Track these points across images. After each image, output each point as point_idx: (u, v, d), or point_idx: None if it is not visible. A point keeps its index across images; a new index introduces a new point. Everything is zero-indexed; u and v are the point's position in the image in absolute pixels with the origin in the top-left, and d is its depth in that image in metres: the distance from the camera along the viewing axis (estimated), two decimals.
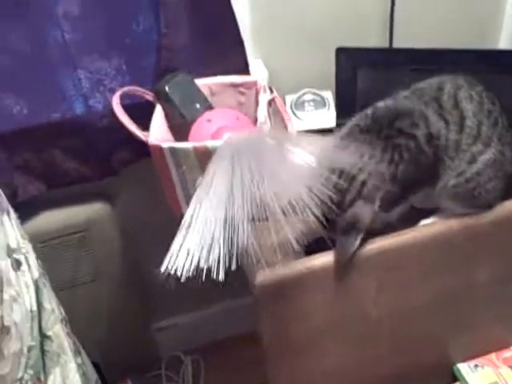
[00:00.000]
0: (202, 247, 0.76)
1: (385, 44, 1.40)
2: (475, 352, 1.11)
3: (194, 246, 0.77)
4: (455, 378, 1.10)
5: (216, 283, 0.74)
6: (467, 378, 1.08)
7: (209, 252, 0.76)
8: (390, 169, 0.87)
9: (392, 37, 1.39)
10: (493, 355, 1.12)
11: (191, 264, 0.75)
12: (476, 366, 1.10)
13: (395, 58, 1.18)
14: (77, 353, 1.04)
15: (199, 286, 0.74)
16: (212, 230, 0.78)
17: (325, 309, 0.93)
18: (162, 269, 0.75)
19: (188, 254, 0.76)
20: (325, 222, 0.85)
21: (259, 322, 0.91)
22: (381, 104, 0.94)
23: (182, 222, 0.80)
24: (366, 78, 1.17)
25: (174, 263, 0.75)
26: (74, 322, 1.08)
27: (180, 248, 0.77)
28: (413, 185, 0.90)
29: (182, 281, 0.74)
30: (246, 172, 0.84)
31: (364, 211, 0.85)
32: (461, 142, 0.89)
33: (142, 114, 1.10)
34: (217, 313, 1.70)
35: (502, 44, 1.50)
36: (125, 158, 1.26)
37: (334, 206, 0.83)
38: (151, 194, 1.16)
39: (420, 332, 1.03)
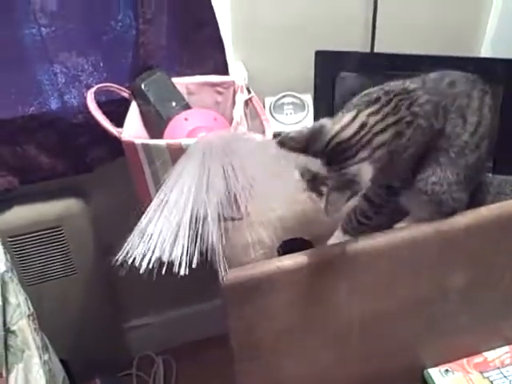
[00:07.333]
0: (164, 240, 0.75)
1: (366, 49, 1.40)
2: (446, 357, 1.11)
3: (155, 238, 0.76)
4: (425, 383, 1.10)
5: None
6: (437, 383, 1.07)
7: (172, 246, 0.75)
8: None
9: (374, 42, 1.39)
10: (464, 361, 1.11)
11: (151, 255, 0.74)
12: (447, 371, 1.10)
13: (374, 62, 1.18)
14: (44, 349, 1.03)
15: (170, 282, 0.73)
16: (176, 224, 0.77)
17: (295, 310, 0.92)
18: (119, 257, 0.74)
19: (148, 245, 0.75)
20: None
21: (228, 323, 0.90)
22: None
23: (145, 212, 0.79)
24: (344, 81, 1.17)
25: (133, 252, 0.75)
26: (44, 318, 1.06)
27: (140, 238, 0.76)
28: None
29: (141, 272, 0.73)
30: (217, 170, 0.83)
31: (365, 172, 0.78)
32: (467, 145, 0.85)
33: (118, 111, 1.09)
34: (190, 314, 1.69)
35: (484, 52, 1.50)
36: (99, 155, 1.25)
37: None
38: (126, 191, 1.15)
39: (391, 335, 1.02)
